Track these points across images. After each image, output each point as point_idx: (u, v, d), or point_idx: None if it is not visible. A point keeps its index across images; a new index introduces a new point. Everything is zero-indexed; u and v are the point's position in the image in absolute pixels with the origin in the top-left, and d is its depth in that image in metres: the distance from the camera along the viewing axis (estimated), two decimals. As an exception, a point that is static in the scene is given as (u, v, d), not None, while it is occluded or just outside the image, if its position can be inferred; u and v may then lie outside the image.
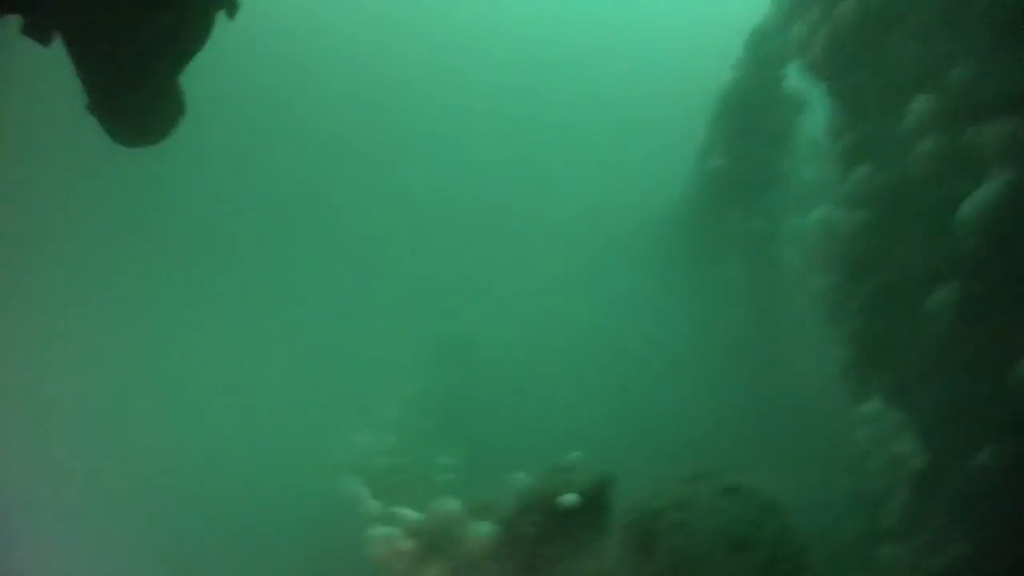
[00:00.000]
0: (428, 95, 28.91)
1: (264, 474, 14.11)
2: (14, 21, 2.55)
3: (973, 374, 6.51)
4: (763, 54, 13.54)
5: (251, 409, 17.34)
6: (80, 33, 2.59)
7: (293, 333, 21.38)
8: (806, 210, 15.68)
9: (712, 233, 16.50)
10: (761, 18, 13.48)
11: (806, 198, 15.81)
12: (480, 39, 30.32)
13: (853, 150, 7.85)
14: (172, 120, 2.98)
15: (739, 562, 5.90)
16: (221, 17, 2.91)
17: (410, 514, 10.06)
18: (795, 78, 13.78)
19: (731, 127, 15.52)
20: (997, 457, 6.35)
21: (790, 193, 15.22)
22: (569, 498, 7.24)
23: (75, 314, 19.52)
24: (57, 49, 2.67)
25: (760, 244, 14.94)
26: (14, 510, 13.53)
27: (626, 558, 6.36)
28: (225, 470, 14.64)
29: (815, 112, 14.89)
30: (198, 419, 16.99)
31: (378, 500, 11.48)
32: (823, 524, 7.44)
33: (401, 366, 19.57)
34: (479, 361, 19.66)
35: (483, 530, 8.53)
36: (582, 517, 6.92)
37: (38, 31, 2.57)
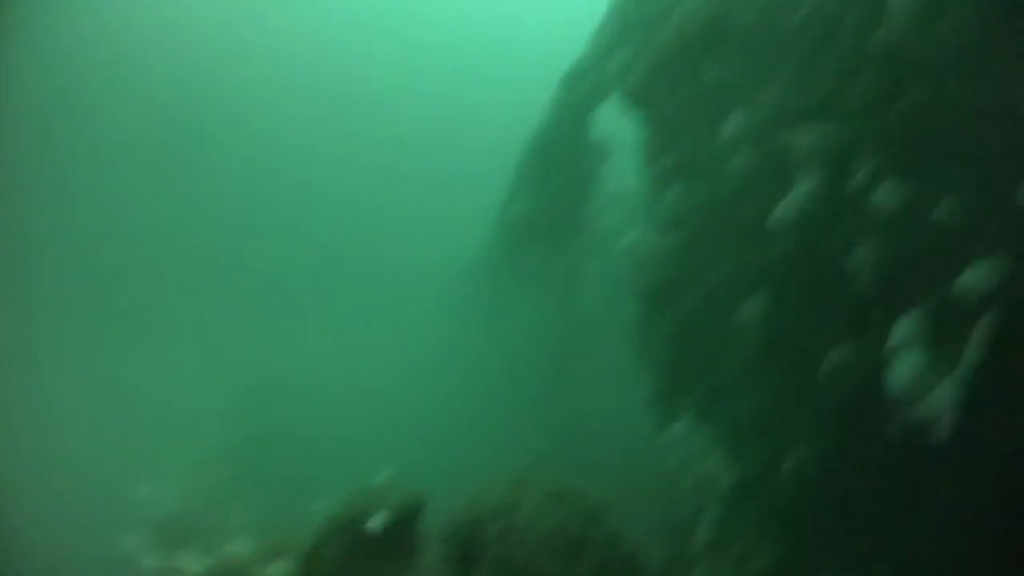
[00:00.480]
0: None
1: (41, 530, 12.25)
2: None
3: (782, 381, 6.66)
4: (574, 96, 13.87)
5: (41, 458, 15.32)
6: None
7: (105, 369, 19.86)
8: (605, 256, 16.45)
9: (516, 274, 16.59)
10: (576, 58, 13.86)
11: (605, 245, 16.48)
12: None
13: (667, 172, 8.03)
14: None
15: (569, 567, 5.50)
16: None
17: (193, 565, 9.02)
18: (603, 122, 14.36)
19: (536, 172, 15.79)
20: (803, 462, 6.51)
21: (591, 239, 15.67)
22: (377, 520, 6.55)
23: None
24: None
25: (561, 285, 15.17)
26: None
27: (447, 572, 5.76)
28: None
29: (619, 161, 15.68)
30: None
31: (158, 553, 10.21)
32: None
33: (205, 412, 18.25)
34: (287, 406, 18.66)
35: (276, 570, 7.65)
36: (395, 537, 6.23)
37: None
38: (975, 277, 4.95)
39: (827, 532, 6.23)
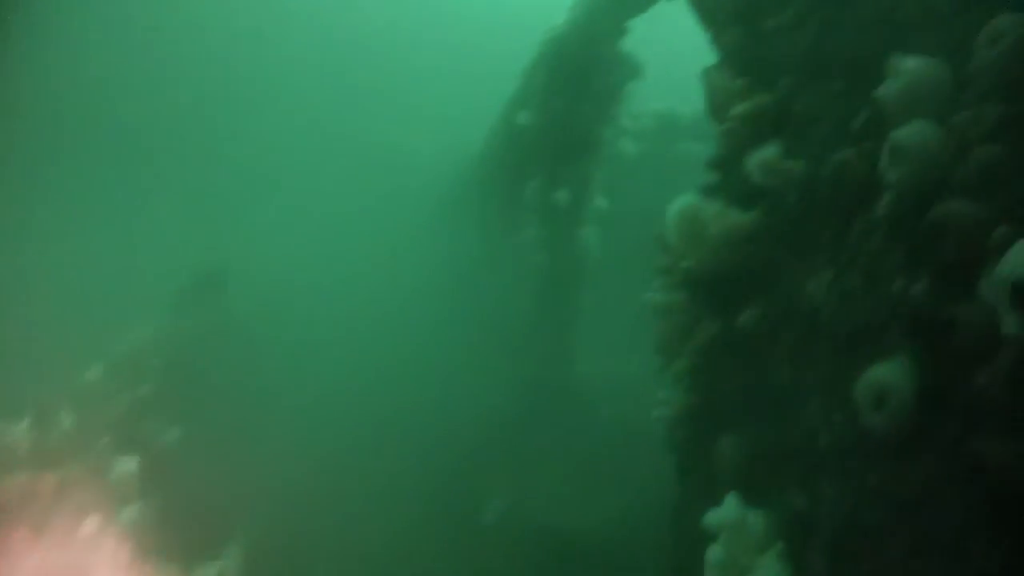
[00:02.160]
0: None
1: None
2: None
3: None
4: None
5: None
6: None
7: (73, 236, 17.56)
8: (618, 190, 14.07)
9: (508, 201, 14.23)
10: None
11: (621, 176, 14.10)
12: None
13: (751, 122, 5.62)
14: None
15: None
16: None
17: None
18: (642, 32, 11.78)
19: (549, 79, 13.18)
20: None
21: (603, 168, 13.25)
22: None
23: None
24: None
25: (561, 221, 12.76)
26: None
27: None
28: None
29: (649, 82, 13.12)
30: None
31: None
32: None
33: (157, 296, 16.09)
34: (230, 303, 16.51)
35: None
36: None
37: None
38: None
39: None
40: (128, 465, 9.64)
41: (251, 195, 22.74)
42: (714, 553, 4.77)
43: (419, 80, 25.10)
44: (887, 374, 3.75)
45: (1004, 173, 3.53)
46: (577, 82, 12.50)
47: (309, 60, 26.72)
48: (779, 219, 5.35)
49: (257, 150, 23.31)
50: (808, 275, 4.98)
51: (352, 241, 19.08)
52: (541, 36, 13.45)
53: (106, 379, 12.55)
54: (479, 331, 14.19)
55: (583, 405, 13.28)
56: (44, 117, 21.12)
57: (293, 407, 13.28)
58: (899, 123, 3.93)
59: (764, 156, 5.04)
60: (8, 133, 19.48)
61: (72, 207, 19.79)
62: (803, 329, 4.92)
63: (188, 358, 14.27)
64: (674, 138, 16.81)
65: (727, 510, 4.80)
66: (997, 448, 3.25)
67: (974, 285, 3.39)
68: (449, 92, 23.33)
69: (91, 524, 7.96)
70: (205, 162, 23.52)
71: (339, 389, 13.26)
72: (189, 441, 11.89)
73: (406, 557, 10.28)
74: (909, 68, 3.94)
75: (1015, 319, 3.05)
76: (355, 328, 15.06)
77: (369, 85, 24.73)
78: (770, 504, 4.90)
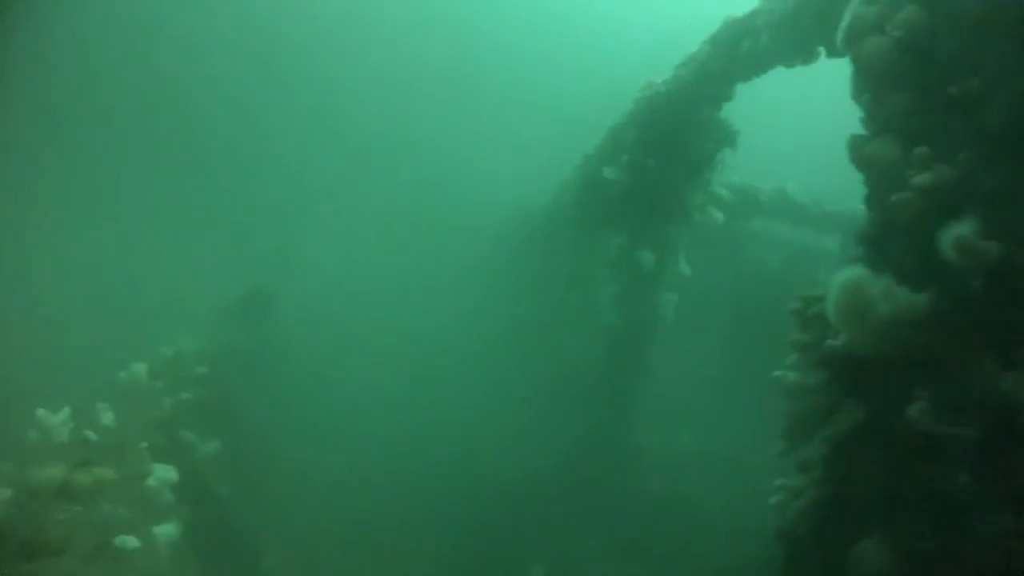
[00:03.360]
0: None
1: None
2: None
3: None
4: (721, 55, 10.65)
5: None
6: None
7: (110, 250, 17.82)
8: (693, 259, 13.58)
9: (584, 255, 13.77)
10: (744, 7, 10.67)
11: (698, 245, 13.65)
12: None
13: (931, 198, 5.12)
14: None
15: None
16: None
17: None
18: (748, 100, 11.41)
19: (641, 137, 12.83)
20: None
21: (687, 234, 12.78)
22: None
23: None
24: None
25: (642, 282, 12.23)
26: None
27: None
28: None
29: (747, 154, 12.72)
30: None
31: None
32: None
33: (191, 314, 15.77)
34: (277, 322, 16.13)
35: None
36: None
37: None
38: None
39: None
40: (166, 473, 9.06)
41: (309, 221, 22.62)
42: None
43: (491, 123, 25.01)
44: None
45: None
46: (673, 142, 12.12)
47: (378, 92, 26.81)
48: (959, 303, 4.81)
49: (322, 177, 23.30)
50: (1002, 368, 4.43)
51: (406, 274, 18.74)
52: (635, 92, 13.15)
53: (149, 380, 12.08)
54: (534, 385, 13.62)
55: (634, 478, 12.63)
56: (113, 132, 21.35)
57: (328, 441, 12.75)
58: None
59: (960, 233, 4.52)
60: (81, 144, 19.68)
61: (136, 219, 19.75)
62: (994, 430, 4.33)
63: (230, 371, 13.81)
64: (751, 213, 16.43)
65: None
66: None
67: None
68: (519, 140, 23.21)
69: (124, 533, 7.37)
70: (264, 182, 23.49)
71: (380, 430, 12.73)
72: (226, 455, 11.35)
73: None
74: None
75: None
76: (401, 368, 14.59)
77: (439, 121, 24.74)
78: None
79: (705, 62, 10.64)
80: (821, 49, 8.22)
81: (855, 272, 5.07)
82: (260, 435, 12.98)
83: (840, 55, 7.15)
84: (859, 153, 5.97)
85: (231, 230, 21.38)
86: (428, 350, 15.20)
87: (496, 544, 11.36)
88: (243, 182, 23.64)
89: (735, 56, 9.76)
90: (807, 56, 8.41)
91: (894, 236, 5.33)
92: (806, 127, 28.03)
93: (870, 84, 5.80)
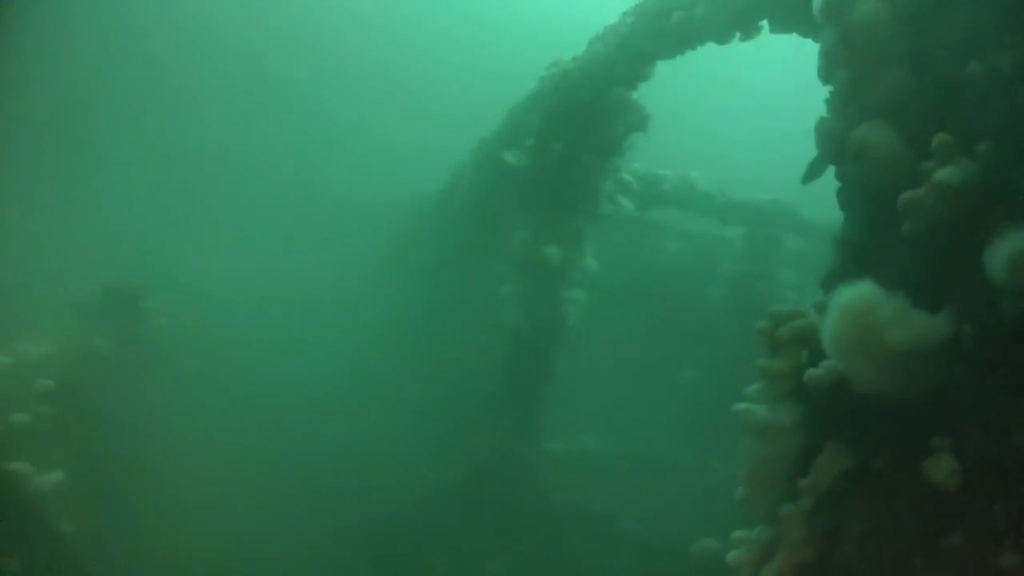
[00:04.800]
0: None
1: None
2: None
3: None
4: (645, 27, 9.55)
5: None
6: None
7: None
8: (612, 248, 12.63)
9: (481, 249, 12.55)
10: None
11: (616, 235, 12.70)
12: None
13: (953, 200, 4.14)
14: None
15: None
16: None
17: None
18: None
19: (548, 119, 11.69)
20: None
21: (595, 225, 11.75)
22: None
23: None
24: None
25: (548, 280, 11.09)
26: None
27: None
28: None
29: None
30: None
31: None
32: None
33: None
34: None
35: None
36: None
37: None
38: None
39: None
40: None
41: (195, 213, 20.67)
42: None
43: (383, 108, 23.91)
44: None
45: None
46: (583, 125, 11.03)
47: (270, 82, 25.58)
48: (991, 332, 3.87)
49: (213, 167, 21.43)
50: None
51: (296, 273, 17.05)
52: (541, 70, 12.00)
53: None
54: (428, 393, 12.35)
55: (539, 491, 11.61)
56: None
57: (205, 455, 11.08)
58: None
59: (1014, 248, 3.54)
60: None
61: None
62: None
63: (86, 382, 11.69)
64: (652, 203, 15.60)
65: None
66: None
67: None
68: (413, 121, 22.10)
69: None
70: (153, 171, 21.60)
71: (263, 442, 11.15)
72: (74, 485, 9.52)
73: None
74: None
75: None
76: (288, 372, 12.98)
77: (332, 112, 23.38)
78: None
79: (627, 36, 9.57)
80: (764, 23, 7.25)
81: (861, 291, 4.02)
82: (123, 454, 11.10)
83: (800, 29, 6.19)
84: (836, 139, 4.99)
85: (106, 225, 19.18)
86: (314, 354, 13.65)
87: (392, 569, 10.16)
88: (124, 176, 21.56)
89: (663, 29, 8.69)
90: (748, 30, 7.43)
91: (896, 245, 4.35)
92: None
93: (855, 59, 4.81)
